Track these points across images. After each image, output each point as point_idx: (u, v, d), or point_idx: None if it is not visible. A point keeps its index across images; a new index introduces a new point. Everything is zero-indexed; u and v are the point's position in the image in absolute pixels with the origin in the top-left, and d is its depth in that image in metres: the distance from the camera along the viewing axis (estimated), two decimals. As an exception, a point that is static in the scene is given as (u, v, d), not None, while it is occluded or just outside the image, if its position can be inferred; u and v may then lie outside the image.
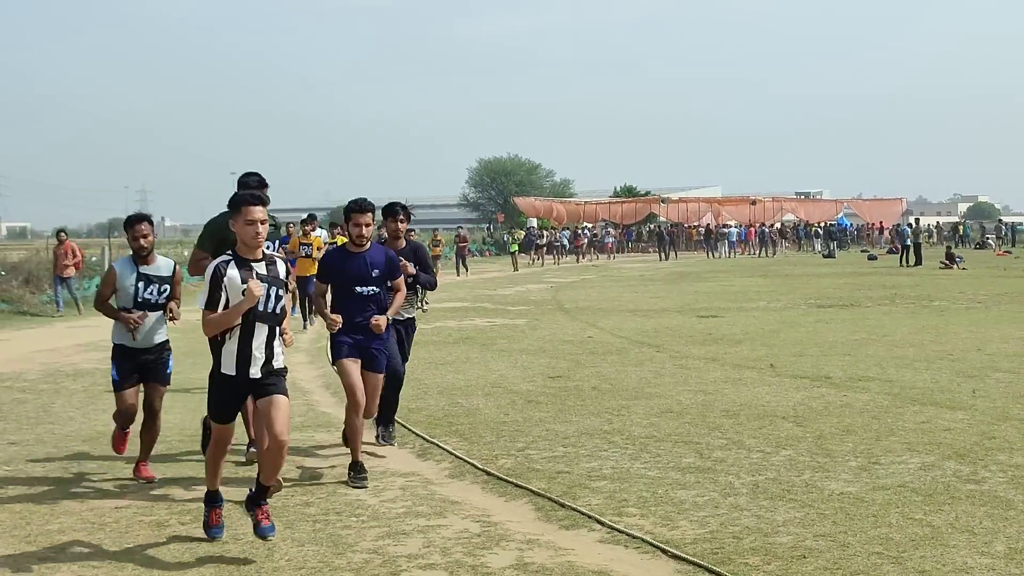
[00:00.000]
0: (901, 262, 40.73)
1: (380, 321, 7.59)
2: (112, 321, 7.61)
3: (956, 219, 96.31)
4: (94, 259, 30.14)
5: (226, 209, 7.43)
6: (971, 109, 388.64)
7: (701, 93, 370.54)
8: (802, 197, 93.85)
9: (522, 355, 14.42)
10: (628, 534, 6.07)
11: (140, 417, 7.68)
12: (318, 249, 17.80)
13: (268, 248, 6.49)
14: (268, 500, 6.05)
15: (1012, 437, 8.43)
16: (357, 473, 7.43)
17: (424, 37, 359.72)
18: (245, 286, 5.76)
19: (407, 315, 8.65)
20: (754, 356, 13.75)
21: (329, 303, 7.84)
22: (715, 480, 7.26)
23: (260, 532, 5.92)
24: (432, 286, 8.84)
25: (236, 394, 6.01)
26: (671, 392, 10.96)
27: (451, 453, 8.31)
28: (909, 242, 41.28)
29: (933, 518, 6.24)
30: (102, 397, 11.34)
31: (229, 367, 5.90)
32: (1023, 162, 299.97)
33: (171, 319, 7.74)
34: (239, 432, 8.29)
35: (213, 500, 6.19)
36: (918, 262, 39.55)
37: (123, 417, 7.68)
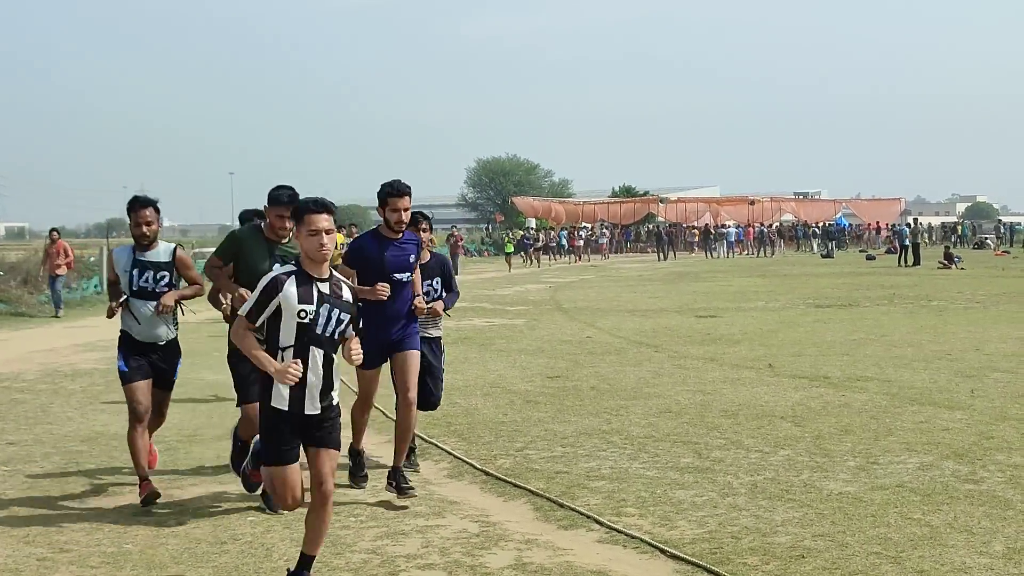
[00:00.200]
0: (899, 262, 40.79)
1: (422, 303, 7.26)
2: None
3: (954, 219, 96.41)
4: (92, 259, 30.14)
5: (253, 221, 7.18)
6: (970, 109, 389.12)
7: (700, 93, 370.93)
8: (800, 197, 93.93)
9: (520, 355, 14.42)
10: (627, 534, 6.08)
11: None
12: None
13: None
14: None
15: (1010, 437, 8.44)
16: (359, 469, 7.42)
17: (423, 37, 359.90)
18: (302, 308, 5.12)
19: (435, 333, 8.00)
20: (752, 356, 13.76)
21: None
22: (713, 480, 7.27)
23: None
24: (454, 301, 8.09)
25: (293, 431, 5.23)
26: (669, 392, 10.96)
27: (450, 453, 8.31)
28: (907, 242, 41.35)
29: (931, 518, 6.25)
30: (101, 397, 11.34)
31: (281, 401, 5.18)
32: (1022, 162, 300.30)
33: (160, 311, 6.99)
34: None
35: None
36: (916, 262, 39.61)
37: (135, 415, 6.99)
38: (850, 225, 74.06)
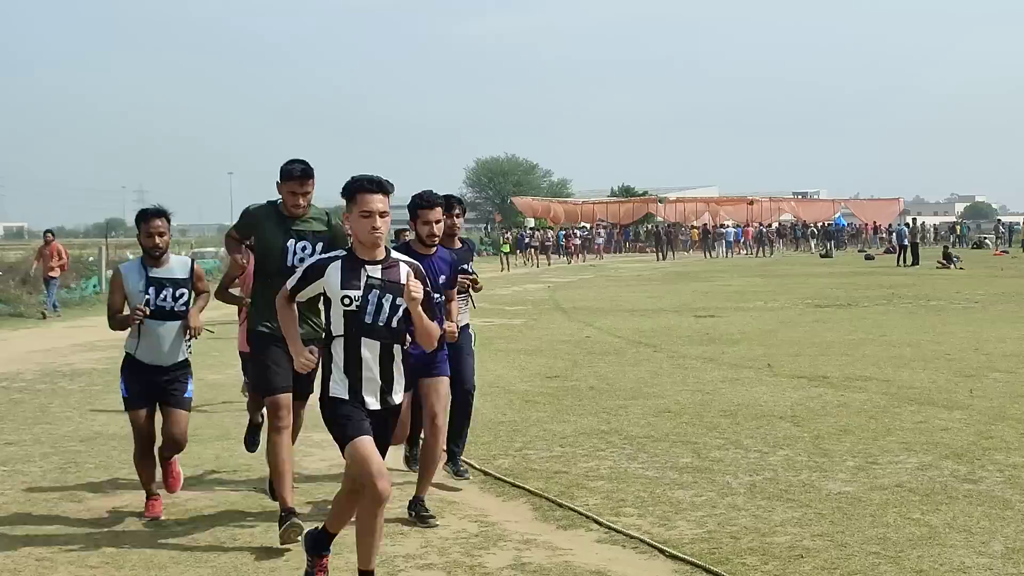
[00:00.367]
0: (898, 262, 40.80)
1: (454, 327, 6.74)
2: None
3: (953, 219, 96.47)
4: (91, 259, 30.16)
5: (270, 199, 6.53)
6: (969, 109, 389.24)
7: (699, 93, 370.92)
8: (799, 197, 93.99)
9: (519, 355, 14.42)
10: (626, 534, 6.07)
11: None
12: None
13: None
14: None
15: (1009, 437, 8.44)
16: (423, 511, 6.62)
17: (422, 37, 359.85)
18: (345, 293, 4.75)
19: (464, 320, 7.58)
20: (751, 356, 13.76)
21: None
22: (712, 480, 7.26)
23: None
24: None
25: (361, 415, 4.80)
26: (668, 392, 10.96)
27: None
28: (906, 242, 41.38)
29: (930, 518, 6.25)
30: (99, 397, 11.34)
31: (340, 390, 4.82)
32: (1021, 162, 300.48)
33: (191, 336, 6.69)
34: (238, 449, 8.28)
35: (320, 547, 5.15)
36: (915, 262, 39.62)
37: (139, 442, 6.68)
38: (848, 225, 74.09)
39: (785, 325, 17.91)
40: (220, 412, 10.24)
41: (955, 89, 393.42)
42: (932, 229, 74.96)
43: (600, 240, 61.75)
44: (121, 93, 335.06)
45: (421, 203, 6.44)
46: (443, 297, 6.63)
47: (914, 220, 47.57)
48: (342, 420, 4.76)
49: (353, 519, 4.96)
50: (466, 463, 7.74)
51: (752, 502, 6.68)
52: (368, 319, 4.74)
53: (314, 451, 8.43)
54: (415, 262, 4.97)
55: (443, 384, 6.78)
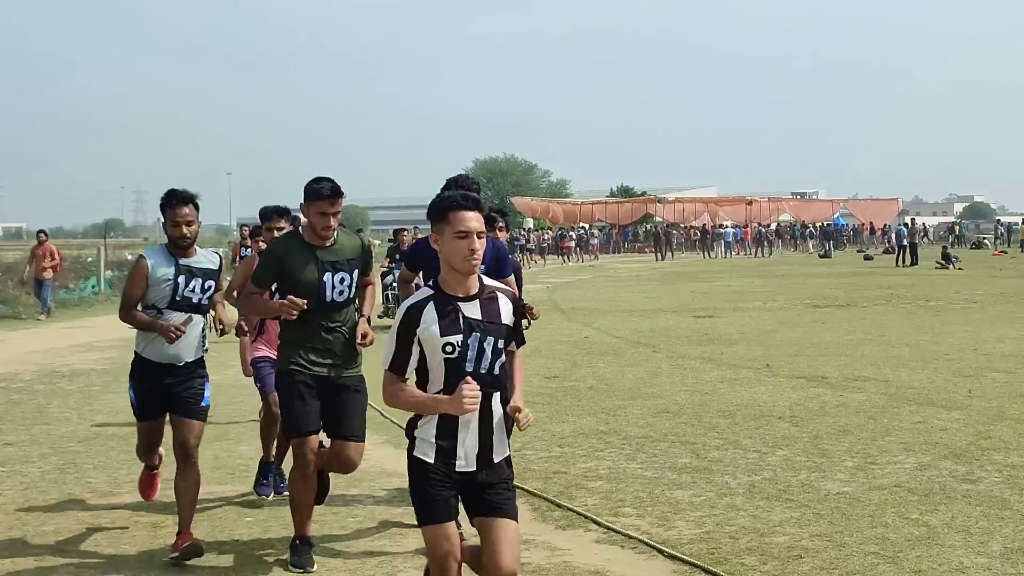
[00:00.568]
0: (897, 262, 40.81)
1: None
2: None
3: (952, 219, 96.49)
4: (90, 259, 30.14)
5: (285, 232, 6.23)
6: (968, 109, 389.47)
7: (698, 93, 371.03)
8: (798, 197, 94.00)
9: (518, 355, 14.39)
10: (624, 534, 6.08)
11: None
12: None
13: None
14: None
15: (1008, 437, 8.44)
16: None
17: (421, 36, 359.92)
18: (447, 341, 3.94)
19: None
20: (750, 356, 13.76)
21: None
22: (711, 480, 7.27)
23: None
24: None
25: (445, 483, 4.03)
26: (667, 392, 10.96)
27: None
28: (905, 242, 41.39)
29: (929, 518, 6.25)
30: (98, 398, 11.34)
31: (427, 452, 4.03)
32: (1019, 162, 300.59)
33: (221, 332, 6.22)
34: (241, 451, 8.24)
35: None
36: (914, 262, 39.63)
37: (145, 451, 6.24)
38: (846, 225, 74.11)
39: (784, 325, 17.91)
40: (218, 414, 10.23)
41: (955, 89, 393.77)
42: (923, 227, 74.98)
43: (596, 240, 61.71)
44: (120, 93, 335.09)
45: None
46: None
47: (912, 220, 47.59)
48: (422, 492, 4.05)
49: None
50: None
51: (751, 502, 6.68)
52: (469, 367, 3.97)
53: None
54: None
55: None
